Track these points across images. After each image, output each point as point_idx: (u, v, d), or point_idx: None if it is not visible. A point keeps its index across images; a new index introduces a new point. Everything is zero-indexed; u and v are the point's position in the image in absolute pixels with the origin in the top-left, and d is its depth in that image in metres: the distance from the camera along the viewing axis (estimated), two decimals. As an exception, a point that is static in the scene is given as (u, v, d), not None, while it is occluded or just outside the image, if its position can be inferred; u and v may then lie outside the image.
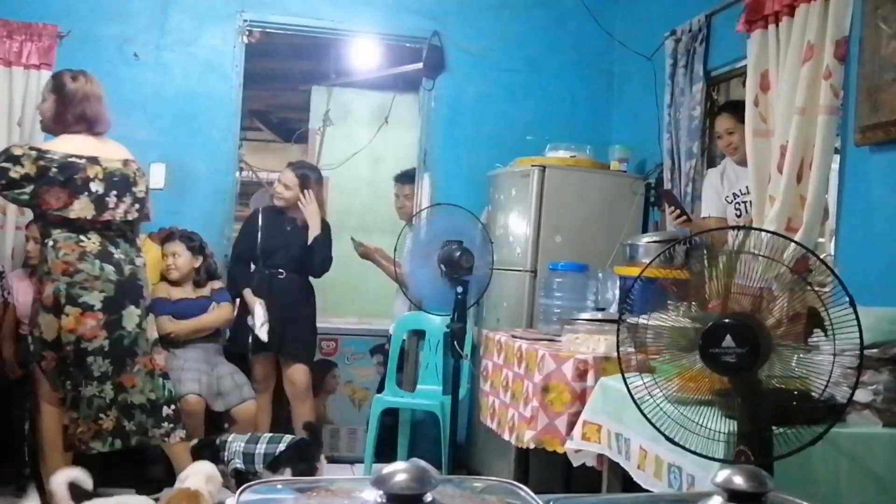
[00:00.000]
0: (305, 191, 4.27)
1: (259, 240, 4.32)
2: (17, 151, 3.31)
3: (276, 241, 4.30)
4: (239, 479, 3.55)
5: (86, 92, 3.47)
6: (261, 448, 3.62)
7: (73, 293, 3.31)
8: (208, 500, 3.02)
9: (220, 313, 4.23)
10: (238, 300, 4.35)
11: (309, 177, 4.34)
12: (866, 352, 2.16)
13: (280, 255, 4.27)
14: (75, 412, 3.37)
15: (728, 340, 1.79)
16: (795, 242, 1.98)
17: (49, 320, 3.32)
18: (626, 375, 1.99)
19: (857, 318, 1.75)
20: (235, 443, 3.65)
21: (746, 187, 3.40)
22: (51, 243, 3.33)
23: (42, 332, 3.34)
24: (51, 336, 3.34)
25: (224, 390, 3.98)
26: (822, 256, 3.17)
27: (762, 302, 1.86)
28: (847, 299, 1.78)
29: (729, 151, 3.51)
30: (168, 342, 4.08)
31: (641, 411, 1.95)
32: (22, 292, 4.12)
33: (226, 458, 3.61)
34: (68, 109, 3.43)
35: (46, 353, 3.36)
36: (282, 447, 3.61)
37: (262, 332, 4.10)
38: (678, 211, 3.46)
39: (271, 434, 3.78)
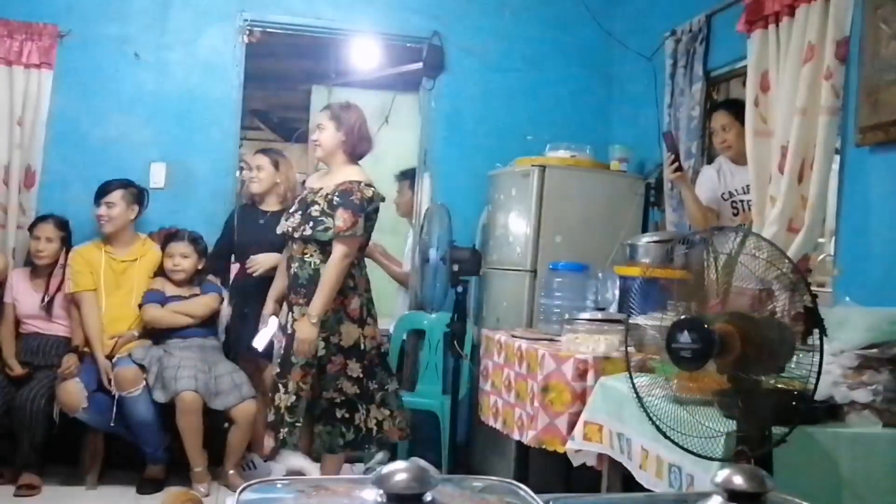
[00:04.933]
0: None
1: (235, 237, 4.29)
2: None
3: (250, 237, 4.24)
4: None
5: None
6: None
7: (370, 306, 3.74)
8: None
9: (205, 301, 4.20)
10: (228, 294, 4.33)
11: (278, 158, 4.36)
12: (866, 352, 2.17)
13: (254, 250, 4.21)
14: (387, 408, 3.73)
15: (685, 336, 1.85)
16: (778, 249, 1.96)
17: (351, 329, 3.64)
18: (629, 375, 2.00)
19: (822, 324, 1.76)
20: None
21: (743, 187, 3.41)
22: (355, 261, 3.67)
23: (340, 340, 3.63)
24: (348, 343, 3.64)
25: (223, 389, 3.97)
26: (822, 256, 3.18)
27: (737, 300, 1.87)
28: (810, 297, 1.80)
29: (723, 148, 3.51)
30: (161, 336, 4.11)
31: (647, 412, 1.95)
32: (23, 292, 4.12)
33: None
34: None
35: (336, 357, 3.64)
36: None
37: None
38: (673, 156, 3.50)
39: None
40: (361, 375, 3.70)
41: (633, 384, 1.98)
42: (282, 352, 3.70)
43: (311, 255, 3.65)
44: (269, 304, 3.90)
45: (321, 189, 3.72)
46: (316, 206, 3.65)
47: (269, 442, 3.70)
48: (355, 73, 5.95)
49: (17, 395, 3.85)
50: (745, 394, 1.85)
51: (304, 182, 4.09)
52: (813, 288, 3.24)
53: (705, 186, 3.55)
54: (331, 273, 3.54)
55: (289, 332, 3.67)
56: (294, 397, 3.60)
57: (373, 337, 3.73)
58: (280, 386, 3.63)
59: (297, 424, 3.62)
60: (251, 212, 4.34)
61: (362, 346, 3.69)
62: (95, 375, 3.95)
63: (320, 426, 3.71)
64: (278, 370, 3.67)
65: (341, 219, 3.57)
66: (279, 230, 3.78)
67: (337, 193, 3.64)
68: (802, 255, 2.94)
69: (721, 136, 3.47)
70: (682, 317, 1.88)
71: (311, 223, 3.62)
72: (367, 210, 3.65)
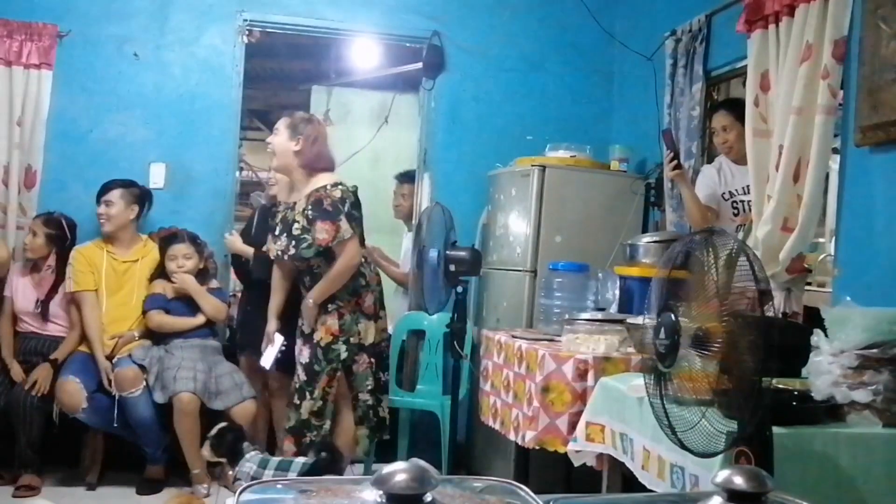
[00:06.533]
0: None
1: (252, 239, 4.29)
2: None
3: (263, 239, 4.24)
4: None
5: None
6: (269, 475, 3.42)
7: (382, 299, 3.86)
8: None
9: (215, 302, 4.18)
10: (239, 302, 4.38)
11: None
12: (867, 352, 2.17)
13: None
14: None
15: (662, 333, 1.92)
16: (748, 256, 1.96)
17: (368, 326, 3.74)
18: (632, 376, 2.00)
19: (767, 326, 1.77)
20: (248, 464, 3.47)
21: (743, 188, 3.41)
22: (362, 259, 3.74)
23: (361, 338, 3.71)
24: (368, 340, 3.74)
25: (223, 389, 3.97)
26: (822, 256, 3.18)
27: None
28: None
29: (724, 149, 3.50)
30: (161, 337, 4.10)
31: (666, 410, 1.95)
32: (20, 288, 4.11)
33: (236, 474, 3.51)
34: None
35: (360, 356, 3.74)
36: (292, 475, 3.38)
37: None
38: (672, 154, 3.49)
39: (280, 459, 3.56)
40: (376, 368, 3.84)
41: (660, 382, 1.98)
42: (302, 360, 3.70)
43: (319, 267, 3.68)
44: (273, 322, 3.87)
45: (296, 204, 3.71)
46: (297, 225, 3.66)
47: (289, 447, 3.68)
48: (355, 74, 5.96)
49: (13, 393, 3.85)
50: (746, 394, 1.85)
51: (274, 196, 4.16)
52: (813, 288, 3.25)
53: (705, 185, 3.54)
54: (338, 270, 3.62)
55: (312, 340, 3.69)
56: (321, 402, 3.66)
57: (384, 329, 3.88)
58: (307, 393, 3.66)
59: (324, 427, 3.67)
60: (267, 212, 4.30)
61: (376, 340, 3.81)
62: (95, 376, 3.95)
63: (364, 429, 3.84)
64: (305, 378, 3.68)
65: (323, 231, 3.58)
66: (271, 254, 3.80)
67: (310, 207, 3.62)
68: (797, 254, 2.94)
69: (722, 136, 3.47)
70: (660, 315, 1.92)
71: (295, 243, 3.64)
72: (344, 210, 3.61)
